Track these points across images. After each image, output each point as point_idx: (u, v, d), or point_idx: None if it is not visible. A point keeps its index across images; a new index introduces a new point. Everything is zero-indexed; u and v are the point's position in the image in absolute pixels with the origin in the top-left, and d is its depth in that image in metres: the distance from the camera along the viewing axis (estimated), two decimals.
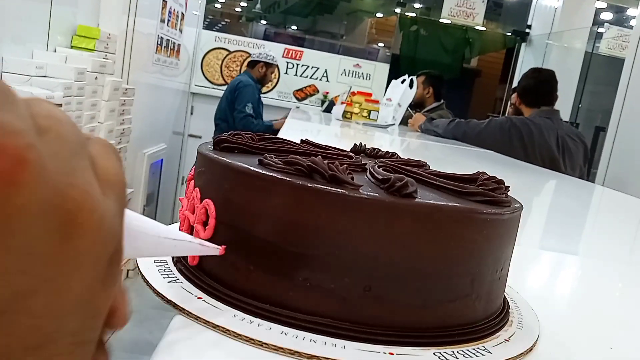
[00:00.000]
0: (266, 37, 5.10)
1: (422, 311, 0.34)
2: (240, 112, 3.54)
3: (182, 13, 3.39)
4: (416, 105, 3.33)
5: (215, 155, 0.38)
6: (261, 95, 3.82)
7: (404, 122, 3.14)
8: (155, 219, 0.34)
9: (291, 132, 1.90)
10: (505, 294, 0.43)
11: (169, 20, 3.12)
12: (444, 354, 0.33)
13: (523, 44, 4.90)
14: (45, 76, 1.70)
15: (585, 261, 0.75)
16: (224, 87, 4.09)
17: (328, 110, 3.94)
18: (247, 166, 0.35)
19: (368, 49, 5.66)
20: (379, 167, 0.40)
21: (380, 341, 0.33)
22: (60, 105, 1.56)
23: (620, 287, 0.64)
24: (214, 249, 0.35)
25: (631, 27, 3.56)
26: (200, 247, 0.33)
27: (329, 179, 0.33)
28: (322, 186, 0.33)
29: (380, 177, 0.36)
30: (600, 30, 3.88)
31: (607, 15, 4.19)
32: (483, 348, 0.35)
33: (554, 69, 2.74)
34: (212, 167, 0.38)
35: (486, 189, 0.38)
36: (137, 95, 2.42)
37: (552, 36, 4.50)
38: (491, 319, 0.38)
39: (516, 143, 2.38)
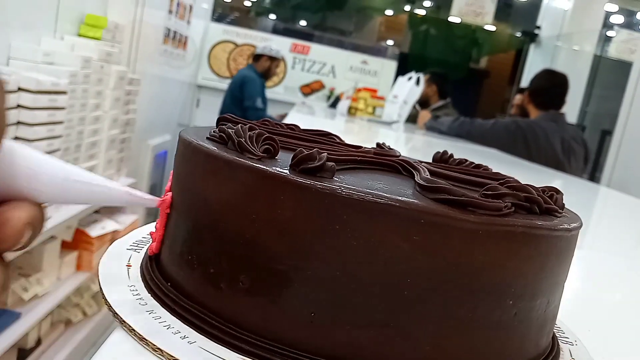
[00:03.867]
0: (275, 32, 5.10)
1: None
2: (253, 108, 3.52)
3: (190, 5, 3.39)
4: (423, 103, 3.32)
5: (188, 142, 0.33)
6: (265, 89, 3.81)
7: (412, 120, 3.13)
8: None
9: None
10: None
11: (177, 12, 3.12)
12: None
13: (532, 45, 4.88)
14: (52, 63, 1.70)
15: (586, 254, 0.74)
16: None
17: (334, 106, 3.94)
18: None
19: (376, 46, 5.65)
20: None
21: None
22: (65, 92, 1.56)
23: (618, 280, 0.64)
24: (150, 201, 0.28)
25: None
26: (129, 196, 0.26)
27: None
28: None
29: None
30: (610, 33, 3.85)
31: (617, 19, 4.16)
32: None
33: (562, 71, 2.72)
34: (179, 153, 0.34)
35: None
36: (142, 85, 2.42)
37: (562, 38, 4.48)
38: None
39: (520, 145, 2.37)
